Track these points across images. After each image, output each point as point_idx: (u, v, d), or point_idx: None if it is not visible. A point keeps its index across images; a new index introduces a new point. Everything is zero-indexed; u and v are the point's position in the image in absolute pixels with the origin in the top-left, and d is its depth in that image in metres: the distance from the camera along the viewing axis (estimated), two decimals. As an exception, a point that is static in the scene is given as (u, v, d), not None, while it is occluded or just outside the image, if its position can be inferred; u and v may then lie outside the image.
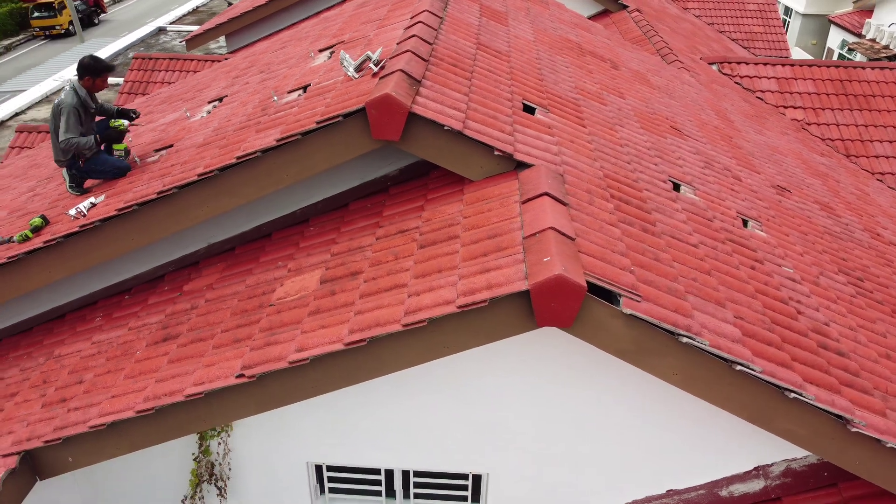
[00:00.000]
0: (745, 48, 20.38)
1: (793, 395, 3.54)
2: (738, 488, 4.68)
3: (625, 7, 14.40)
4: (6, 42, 33.29)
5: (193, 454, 4.81)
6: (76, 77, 5.44)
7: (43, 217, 5.15)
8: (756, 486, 4.63)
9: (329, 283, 4.19)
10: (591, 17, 14.90)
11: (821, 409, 3.59)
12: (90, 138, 5.32)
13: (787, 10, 31.53)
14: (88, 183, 5.62)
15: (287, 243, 5.00)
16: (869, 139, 11.57)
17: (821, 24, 29.62)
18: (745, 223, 5.57)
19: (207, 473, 4.88)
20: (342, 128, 4.29)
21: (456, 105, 4.48)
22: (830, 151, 10.94)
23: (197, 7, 38.10)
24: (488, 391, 4.39)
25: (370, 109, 4.15)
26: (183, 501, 4.94)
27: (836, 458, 3.79)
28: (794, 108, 11.95)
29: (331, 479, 5.07)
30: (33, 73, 28.35)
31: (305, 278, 4.33)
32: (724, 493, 4.70)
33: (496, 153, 4.28)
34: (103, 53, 29.76)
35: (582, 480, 4.84)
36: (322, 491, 5.13)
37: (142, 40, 32.60)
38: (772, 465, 4.60)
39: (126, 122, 5.54)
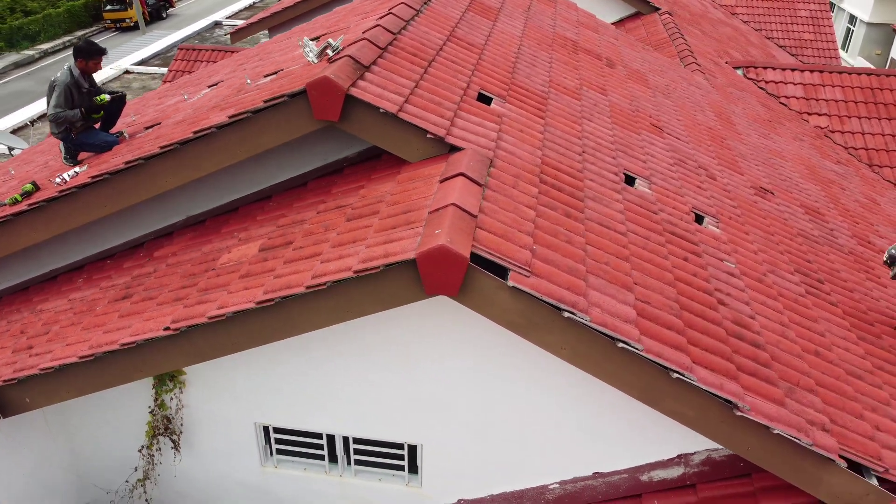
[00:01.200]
0: (792, 55, 19.91)
1: (675, 375, 3.66)
2: (659, 474, 4.77)
3: (656, 10, 14.35)
4: (80, 33, 35.09)
5: (149, 408, 5.18)
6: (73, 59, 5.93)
7: (34, 183, 5.63)
8: (675, 472, 4.72)
9: (266, 251, 4.50)
10: (625, 19, 14.92)
11: (706, 391, 3.69)
12: (76, 111, 5.79)
13: (852, 19, 30.53)
14: (82, 156, 6.09)
15: (247, 217, 5.33)
16: None
17: (886, 33, 28.59)
18: (699, 219, 5.64)
19: (163, 427, 5.25)
20: (287, 107, 4.59)
21: (399, 90, 4.73)
22: (850, 160, 10.71)
23: (254, 3, 39.36)
24: (426, 366, 4.58)
25: (310, 90, 4.44)
26: (140, 451, 5.33)
27: (725, 442, 3.88)
28: (819, 114, 11.73)
29: (278, 441, 5.37)
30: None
31: (249, 247, 4.65)
32: (644, 477, 4.80)
33: (428, 136, 4.51)
34: (161, 45, 31.11)
35: (513, 459, 5.01)
36: (270, 453, 5.44)
37: (198, 33, 33.88)
38: (694, 453, 4.68)
39: (108, 97, 5.99)
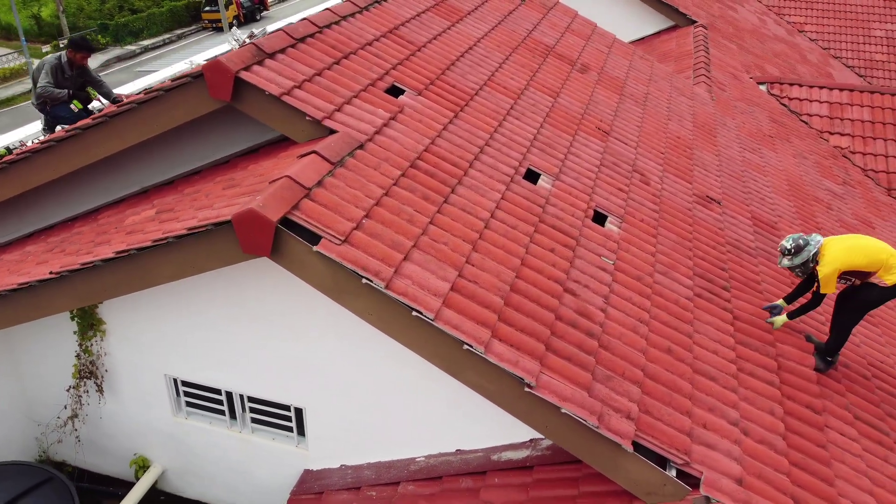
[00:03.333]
0: (860, 76, 19.04)
1: (466, 347, 3.88)
2: (508, 455, 4.96)
3: (693, 22, 14.21)
4: (179, 31, 37.57)
5: (76, 352, 5.80)
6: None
7: (7, 148, 6.39)
8: (522, 454, 4.89)
9: (160, 213, 5.01)
10: (661, 31, 14.85)
11: (496, 365, 3.89)
12: (64, 91, 6.55)
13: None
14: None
15: (175, 189, 5.87)
16: (919, 175, 10.74)
17: None
18: (601, 218, 5.75)
19: (88, 371, 5.85)
20: (189, 87, 5.09)
21: (294, 77, 5.14)
22: (863, 182, 10.31)
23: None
24: (313, 335, 4.92)
25: (205, 71, 4.92)
26: (68, 390, 5.95)
27: (525, 418, 4.06)
28: (842, 134, 11.34)
29: (187, 394, 5.87)
30: (176, 56, 32.58)
31: (150, 212, 5.18)
32: (495, 457, 4.99)
33: (307, 119, 4.90)
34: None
35: (387, 430, 5.30)
36: (181, 404, 5.94)
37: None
38: (542, 439, 4.84)
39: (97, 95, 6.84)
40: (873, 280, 5.14)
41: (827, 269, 5.05)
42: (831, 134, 11.35)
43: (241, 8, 37.90)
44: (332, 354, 5.01)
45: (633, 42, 15.10)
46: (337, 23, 6.15)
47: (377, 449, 5.44)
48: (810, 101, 11.84)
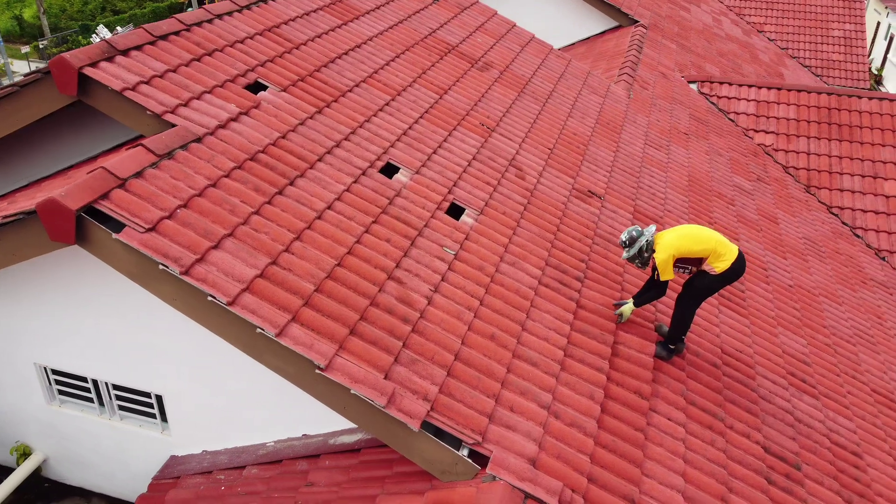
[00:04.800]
0: (816, 75, 19.20)
1: (259, 331, 4.04)
2: (343, 438, 5.12)
3: (635, 22, 14.38)
4: (160, 33, 37.84)
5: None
6: None
7: None
8: (354, 438, 5.06)
9: (9, 205, 5.17)
10: (606, 31, 15.03)
11: (290, 348, 4.04)
12: None
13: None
14: None
15: (38, 185, 6.04)
16: (839, 171, 10.89)
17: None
18: (457, 210, 5.91)
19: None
20: (42, 83, 5.26)
21: (143, 73, 5.31)
22: (778, 179, 10.45)
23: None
24: (168, 323, 5.03)
25: (52, 67, 5.09)
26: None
27: (325, 399, 4.22)
28: (766, 132, 11.48)
29: (58, 383, 6.03)
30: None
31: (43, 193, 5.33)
32: (332, 441, 5.16)
33: (148, 113, 5.07)
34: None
35: (241, 416, 5.47)
36: (54, 392, 6.10)
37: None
38: (374, 423, 4.99)
39: None
40: (704, 268, 5.30)
41: (662, 256, 5.21)
42: (756, 131, 11.50)
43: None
44: (184, 342, 5.16)
45: (578, 42, 15.31)
46: (209, 21, 6.32)
47: (234, 434, 5.60)
48: (738, 100, 11.98)
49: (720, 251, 5.22)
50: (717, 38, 16.61)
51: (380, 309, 4.59)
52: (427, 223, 5.52)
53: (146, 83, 5.26)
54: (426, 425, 4.14)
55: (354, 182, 5.50)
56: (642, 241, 5.26)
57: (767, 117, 11.66)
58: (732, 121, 11.71)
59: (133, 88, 5.14)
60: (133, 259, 4.14)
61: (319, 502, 4.59)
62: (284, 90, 6.05)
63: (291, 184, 5.14)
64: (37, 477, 6.52)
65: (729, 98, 12.02)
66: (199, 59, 5.82)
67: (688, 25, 16.07)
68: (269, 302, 4.20)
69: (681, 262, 5.31)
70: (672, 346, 5.56)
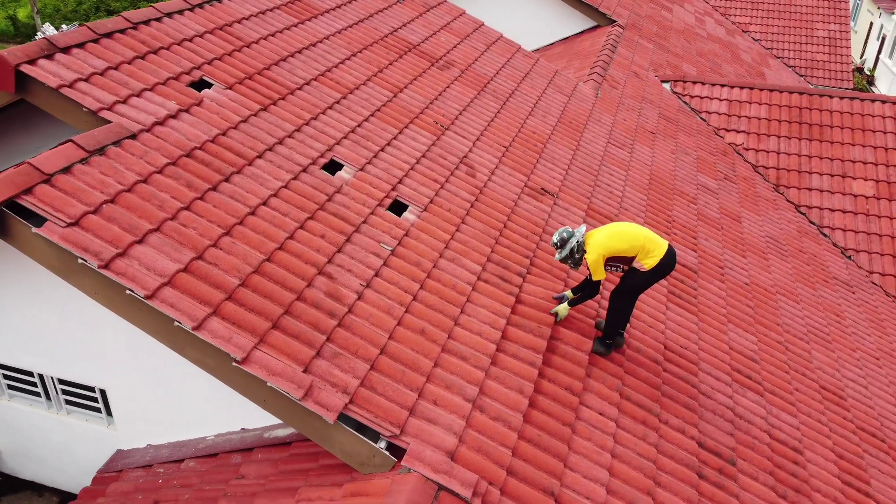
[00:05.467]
0: (800, 75, 19.22)
1: (176, 324, 4.09)
2: (277, 432, 5.17)
3: (613, 22, 14.43)
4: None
5: None
6: None
7: None
8: (287, 431, 5.10)
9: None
10: (585, 31, 15.07)
11: (207, 341, 4.09)
12: None
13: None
14: None
15: None
16: (808, 170, 10.92)
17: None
18: (400, 206, 5.95)
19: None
20: (-16, 80, 5.32)
21: (82, 70, 5.36)
22: (746, 178, 10.48)
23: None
24: (104, 315, 5.06)
25: (-10, 65, 5.15)
26: None
27: (245, 392, 4.26)
28: (737, 131, 11.51)
29: (6, 377, 6.08)
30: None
31: None
32: (268, 434, 5.21)
33: (84, 110, 5.12)
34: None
35: (181, 410, 5.52)
36: (2, 387, 6.16)
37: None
38: (307, 417, 5.04)
39: None
40: (635, 265, 5.33)
41: (592, 256, 5.24)
42: (727, 131, 11.52)
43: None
44: (125, 336, 5.19)
45: (557, 42, 15.35)
46: (158, 19, 6.37)
47: (176, 428, 5.65)
48: (711, 99, 12.01)
49: (649, 248, 5.25)
50: (698, 37, 16.64)
51: (306, 303, 4.63)
52: (366, 220, 5.57)
53: (85, 80, 5.32)
54: (345, 418, 4.18)
55: (294, 179, 5.55)
56: (573, 242, 5.29)
57: (739, 116, 11.69)
58: (704, 120, 11.74)
59: (70, 86, 5.20)
60: (54, 253, 4.19)
61: (247, 494, 4.64)
62: (230, 88, 6.10)
63: (227, 180, 5.19)
64: (-10, 470, 6.59)
65: (702, 98, 12.04)
66: (142, 57, 5.87)
67: (668, 25, 16.11)
68: (190, 296, 4.25)
69: (612, 261, 5.34)
70: (609, 342, 5.60)
